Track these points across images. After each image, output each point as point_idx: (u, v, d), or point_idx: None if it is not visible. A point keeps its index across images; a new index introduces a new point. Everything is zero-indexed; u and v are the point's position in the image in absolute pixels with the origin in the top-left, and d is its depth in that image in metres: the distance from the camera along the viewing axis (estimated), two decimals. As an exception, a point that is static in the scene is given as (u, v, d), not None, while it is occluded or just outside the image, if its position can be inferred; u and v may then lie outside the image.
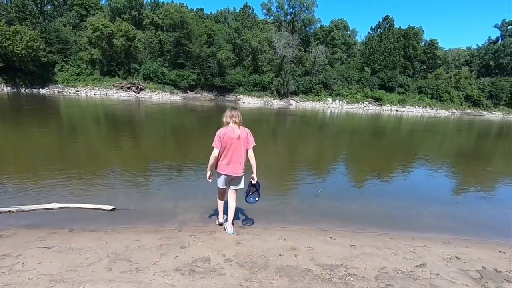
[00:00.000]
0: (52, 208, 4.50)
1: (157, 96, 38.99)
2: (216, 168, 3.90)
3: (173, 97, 39.59)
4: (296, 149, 12.08)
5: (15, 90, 34.09)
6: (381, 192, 6.74)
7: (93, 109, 22.56)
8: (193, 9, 51.92)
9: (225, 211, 4.18)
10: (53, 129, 12.64)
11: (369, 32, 59.70)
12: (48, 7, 46.52)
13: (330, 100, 45.62)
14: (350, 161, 10.36)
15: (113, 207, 4.61)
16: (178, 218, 4.51)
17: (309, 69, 48.12)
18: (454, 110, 48.00)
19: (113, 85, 38.26)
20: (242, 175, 3.95)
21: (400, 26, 55.25)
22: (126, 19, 44.47)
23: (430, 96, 48.99)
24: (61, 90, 36.05)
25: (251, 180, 4.04)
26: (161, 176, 6.81)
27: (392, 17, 54.32)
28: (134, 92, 38.46)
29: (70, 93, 35.77)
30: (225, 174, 3.85)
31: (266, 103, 42.28)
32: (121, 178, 6.68)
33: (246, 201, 4.20)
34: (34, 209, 4.45)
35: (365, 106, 45.34)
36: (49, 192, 5.23)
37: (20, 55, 33.34)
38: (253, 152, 3.88)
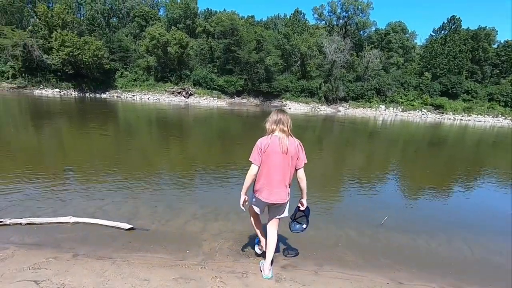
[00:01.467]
0: (67, 223, 4.01)
1: (205, 101, 40.12)
2: (253, 190, 2.99)
3: (220, 102, 40.40)
4: (346, 160, 10.92)
5: (81, 94, 37.67)
6: (466, 223, 5.29)
7: (145, 112, 23.81)
8: (244, 17, 52.77)
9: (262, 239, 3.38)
10: (105, 130, 13.36)
11: (431, 35, 55.00)
12: (114, 19, 50.96)
13: (383, 107, 42.68)
14: (414, 177, 8.85)
15: (131, 226, 3.97)
16: (203, 247, 3.66)
17: (361, 74, 45.72)
18: (534, 121, 41.59)
19: (165, 90, 40.36)
20: (287, 202, 3.00)
21: (468, 27, 50.00)
22: (180, 28, 46.86)
23: (503, 104, 43.14)
24: (119, 95, 39.01)
25: (299, 205, 3.14)
26: (194, 185, 6.33)
27: (459, 17, 49.39)
28: (184, 97, 40.08)
29: (127, 97, 38.49)
30: (262, 199, 2.92)
31: (313, 109, 41.01)
32: (152, 185, 6.05)
33: (290, 229, 3.34)
34: (46, 223, 3.98)
35: (423, 114, 41.50)
36: (69, 195, 5.09)
37: (87, 63, 36.79)
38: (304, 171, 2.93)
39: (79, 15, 48.35)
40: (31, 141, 9.92)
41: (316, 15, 56.08)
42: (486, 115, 41.91)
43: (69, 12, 39.09)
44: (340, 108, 42.39)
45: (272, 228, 3.08)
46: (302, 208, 3.15)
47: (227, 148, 11.25)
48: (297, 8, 59.14)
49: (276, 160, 2.76)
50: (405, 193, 7.13)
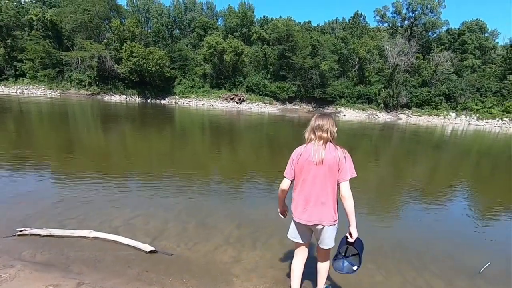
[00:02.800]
0: (86, 237, 3.67)
1: (257, 107, 40.25)
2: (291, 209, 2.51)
3: (271, 108, 40.15)
4: (408, 175, 9.29)
5: (144, 100, 40.80)
6: None
7: (199, 117, 24.75)
8: (300, 22, 52.08)
9: (303, 277, 2.72)
10: (160, 135, 13.97)
11: (517, 32, 47.61)
12: (177, 30, 54.51)
13: (453, 115, 37.96)
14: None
15: (153, 248, 3.45)
16: (233, 286, 2.96)
17: (427, 79, 41.45)
18: None
19: (219, 96, 41.55)
20: (331, 226, 2.36)
21: None
22: (237, 36, 48.05)
23: None
24: (177, 101, 41.30)
25: (347, 235, 2.37)
26: (235, 197, 5.72)
27: (554, 11, 41.86)
28: (237, 103, 40.77)
29: (183, 103, 40.53)
30: (297, 221, 2.41)
31: (370, 116, 38.32)
32: (190, 195, 5.57)
33: (334, 267, 2.52)
34: (66, 235, 3.70)
35: (504, 124, 35.80)
36: (104, 203, 4.96)
37: (150, 71, 39.78)
38: (350, 187, 2.28)
39: (147, 28, 52.78)
40: (92, 143, 10.65)
41: (378, 17, 52.71)
42: None
43: (138, 25, 42.79)
44: (401, 116, 38.85)
45: (320, 258, 2.59)
46: (350, 240, 2.32)
47: (275, 157, 10.56)
48: (357, 10, 56.48)
49: (310, 172, 2.29)
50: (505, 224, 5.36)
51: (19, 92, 37.63)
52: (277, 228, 4.04)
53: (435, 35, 49.85)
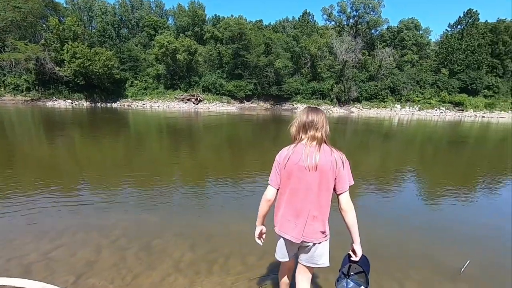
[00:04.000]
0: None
1: (215, 107, 39.78)
2: (274, 221, 2.02)
3: (230, 108, 39.95)
4: (366, 167, 9.12)
5: (92, 104, 38.05)
6: None
7: (155, 120, 23.53)
8: (251, 21, 52.44)
9: None
10: (109, 139, 12.95)
11: (446, 30, 53.07)
12: (124, 30, 51.70)
13: (398, 106, 41.11)
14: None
15: None
16: None
17: (374, 73, 44.36)
18: None
19: (175, 97, 40.30)
20: (323, 243, 1.96)
21: (486, 20, 47.93)
22: (189, 35, 46.96)
23: (528, 98, 40.82)
24: (130, 104, 39.20)
25: (350, 253, 2.01)
26: (188, 208, 4.76)
27: (476, 11, 47.33)
28: (193, 103, 39.88)
29: (137, 106, 38.61)
30: (285, 237, 1.98)
31: (325, 111, 39.47)
32: (135, 210, 4.64)
33: None
34: None
35: (441, 112, 39.66)
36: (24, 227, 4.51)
37: (98, 73, 37.19)
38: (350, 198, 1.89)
39: (90, 27, 49.29)
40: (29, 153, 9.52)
41: (325, 16, 55.21)
42: (510, 111, 39.61)
43: (79, 24, 39.74)
44: (353, 109, 41.12)
45: (303, 280, 2.10)
46: (354, 258, 1.97)
47: (235, 159, 10.10)
48: (305, 9, 58.46)
49: (301, 180, 1.84)
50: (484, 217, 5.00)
51: None
52: (238, 244, 3.46)
53: (377, 32, 53.54)
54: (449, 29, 52.19)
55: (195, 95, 40.49)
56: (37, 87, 36.91)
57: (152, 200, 5.16)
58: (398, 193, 6.37)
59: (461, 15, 49.68)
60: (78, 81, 37.33)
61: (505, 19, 47.58)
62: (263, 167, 7.79)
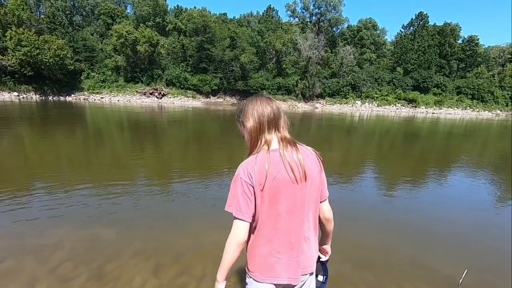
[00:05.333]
0: None
1: (180, 102, 38.53)
2: (247, 269, 1.43)
3: (195, 102, 38.97)
4: (331, 162, 9.77)
5: (43, 98, 34.84)
6: None
7: (115, 115, 22.05)
8: (216, 14, 51.38)
9: None
10: (67, 135, 11.80)
11: (400, 31, 56.58)
12: (78, 17, 47.85)
13: (359, 102, 43.06)
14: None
15: None
16: None
17: (336, 70, 45.94)
18: (498, 112, 43.68)
19: (136, 91, 38.33)
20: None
21: (435, 23, 51.77)
22: (150, 26, 44.75)
23: (470, 96, 45.06)
24: (86, 97, 36.51)
25: (319, 254, 1.69)
26: (151, 222, 3.95)
27: (426, 14, 51.03)
28: (157, 97, 38.26)
29: (95, 100, 36.09)
30: (276, 283, 1.38)
31: (290, 107, 40.57)
32: (83, 231, 3.66)
33: None
34: None
35: (397, 109, 42.30)
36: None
37: (48, 64, 34.03)
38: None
39: (38, 13, 44.84)
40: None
41: (289, 12, 55.99)
42: (455, 108, 43.43)
43: (24, 8, 35.97)
44: (317, 105, 42.28)
45: None
46: (324, 259, 1.75)
47: (204, 156, 9.85)
48: (270, 5, 58.60)
49: (288, 198, 1.32)
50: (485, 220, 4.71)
51: None
52: (212, 262, 2.98)
53: (338, 30, 55.44)
54: (402, 30, 55.67)
55: (158, 89, 38.85)
56: (-25, 77, 32.88)
57: (109, 209, 4.36)
58: (366, 188, 6.56)
59: (413, 17, 53.22)
60: (25, 72, 33.86)
61: (451, 22, 51.81)
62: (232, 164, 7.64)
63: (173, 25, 45.26)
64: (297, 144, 1.38)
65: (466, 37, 52.87)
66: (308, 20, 55.30)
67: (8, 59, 33.14)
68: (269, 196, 1.29)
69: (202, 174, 6.73)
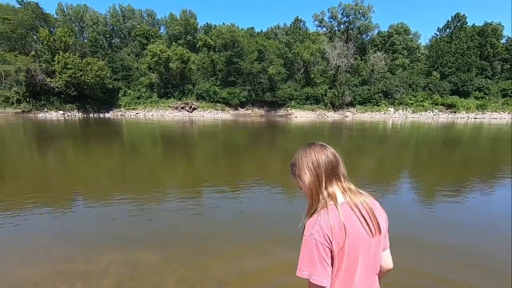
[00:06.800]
0: None
1: (209, 115, 39.57)
2: None
3: (224, 115, 39.78)
4: (365, 170, 8.87)
5: (85, 115, 37.55)
6: None
7: (149, 130, 23.18)
8: (243, 28, 52.66)
9: None
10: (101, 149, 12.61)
11: (435, 34, 53.99)
12: (116, 39, 51.47)
13: (392, 109, 41.38)
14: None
15: None
16: None
17: (366, 78, 44.73)
18: (552, 114, 39.69)
19: (169, 106, 40.04)
20: None
21: (474, 24, 48.89)
22: (181, 43, 46.97)
23: (518, 99, 41.46)
24: (123, 113, 38.79)
25: None
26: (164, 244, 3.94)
27: (464, 15, 48.27)
28: (188, 111, 39.64)
29: (130, 115, 38.21)
30: None
31: (319, 116, 39.99)
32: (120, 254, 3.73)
33: None
34: None
35: (434, 115, 40.00)
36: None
37: (90, 84, 36.80)
38: None
39: (82, 38, 48.97)
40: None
41: (316, 22, 55.70)
42: (501, 112, 40.15)
43: (70, 35, 39.40)
44: (348, 114, 41.27)
45: None
46: None
47: (234, 168, 9.93)
48: (297, 16, 58.98)
49: (368, 256, 1.22)
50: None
51: None
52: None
53: (368, 37, 54.18)
54: (438, 33, 53.11)
55: (189, 103, 40.27)
56: (28, 98, 36.30)
57: (146, 229, 4.35)
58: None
59: (449, 19, 50.66)
60: (70, 92, 36.84)
61: (492, 22, 48.59)
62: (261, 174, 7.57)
63: (203, 42, 47.03)
64: (361, 192, 1.29)
65: (510, 36, 49.26)
66: (336, 29, 54.76)
67: (56, 81, 36.29)
68: (348, 257, 1.17)
69: (234, 188, 6.71)
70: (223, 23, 52.06)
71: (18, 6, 40.84)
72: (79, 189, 6.48)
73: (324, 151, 1.27)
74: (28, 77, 35.41)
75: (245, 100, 41.93)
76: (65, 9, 49.66)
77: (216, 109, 40.62)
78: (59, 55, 36.15)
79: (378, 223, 1.21)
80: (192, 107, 40.12)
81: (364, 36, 53.45)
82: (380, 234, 1.22)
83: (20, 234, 4.14)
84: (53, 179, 7.32)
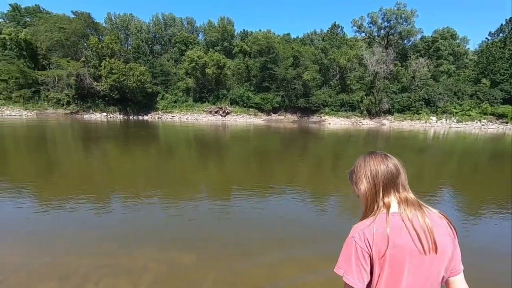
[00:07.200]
0: None
1: (242, 119, 39.99)
2: None
3: (257, 120, 39.97)
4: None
5: (126, 117, 39.75)
6: None
7: (184, 133, 23.98)
8: (279, 35, 52.85)
9: None
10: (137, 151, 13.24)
11: (486, 38, 50.22)
12: (157, 46, 54.14)
13: (434, 118, 38.91)
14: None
15: None
16: None
17: (407, 85, 42.58)
18: None
19: (203, 110, 41.10)
20: None
21: (531, 26, 44.70)
22: (218, 50, 48.22)
23: None
24: (160, 116, 40.50)
25: None
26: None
27: (519, 17, 44.39)
28: (221, 116, 40.40)
29: (167, 118, 39.78)
30: None
31: (354, 123, 38.71)
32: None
33: None
34: None
35: (483, 125, 36.94)
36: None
37: (131, 88, 38.98)
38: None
39: (126, 45, 52.16)
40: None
41: (355, 28, 54.27)
42: None
43: (116, 42, 42.10)
44: (385, 121, 39.50)
45: None
46: None
47: (264, 176, 9.69)
48: (335, 22, 57.98)
49: (417, 273, 1.14)
50: None
51: (-8, 114, 35.91)
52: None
53: (410, 43, 51.72)
54: (489, 38, 49.38)
55: (223, 108, 41.05)
56: (76, 100, 39.29)
57: (181, 229, 4.54)
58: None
59: (503, 23, 46.89)
60: (113, 95, 39.26)
61: (554, 25, 44.11)
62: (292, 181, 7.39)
63: (239, 48, 47.87)
64: (423, 207, 1.22)
65: None
66: (376, 34, 52.93)
67: (101, 85, 38.89)
68: (390, 266, 1.13)
69: (265, 192, 6.73)
70: (260, 30, 52.73)
71: (73, 16, 44.55)
72: (120, 189, 6.82)
73: (384, 161, 1.26)
74: (78, 81, 38.36)
75: (278, 105, 41.84)
76: (113, 18, 53.38)
77: (249, 114, 40.95)
78: (106, 60, 38.72)
79: (434, 241, 1.13)
80: (226, 111, 40.84)
81: (405, 42, 51.16)
82: (436, 253, 1.13)
83: (65, 228, 4.46)
84: (97, 179, 7.79)
